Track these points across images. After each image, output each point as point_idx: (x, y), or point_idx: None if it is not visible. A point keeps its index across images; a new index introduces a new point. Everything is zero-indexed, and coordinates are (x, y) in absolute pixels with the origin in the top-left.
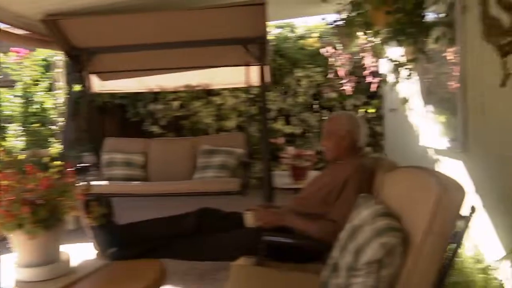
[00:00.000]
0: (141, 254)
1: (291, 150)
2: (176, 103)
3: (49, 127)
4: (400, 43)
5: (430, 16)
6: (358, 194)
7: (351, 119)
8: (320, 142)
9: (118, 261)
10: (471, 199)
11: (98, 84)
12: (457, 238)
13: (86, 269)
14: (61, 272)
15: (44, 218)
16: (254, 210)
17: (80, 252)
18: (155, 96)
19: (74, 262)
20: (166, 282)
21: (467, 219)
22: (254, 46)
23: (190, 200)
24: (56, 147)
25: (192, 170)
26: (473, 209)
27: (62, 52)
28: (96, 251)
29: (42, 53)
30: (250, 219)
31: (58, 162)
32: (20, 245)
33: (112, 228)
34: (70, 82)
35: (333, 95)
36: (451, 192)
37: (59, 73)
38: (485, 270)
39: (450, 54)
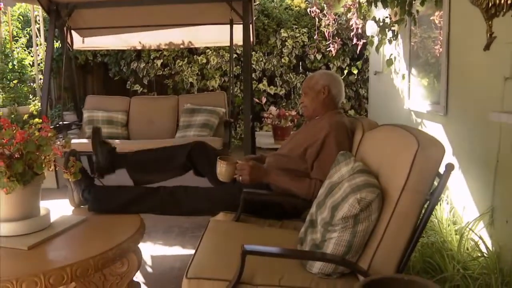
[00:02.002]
0: (120, 207)
1: (274, 110)
2: (159, 62)
3: (29, 84)
4: (386, 4)
5: None
6: (338, 151)
7: (328, 75)
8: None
9: (97, 213)
10: (450, 161)
11: (78, 41)
12: (434, 195)
13: (66, 224)
14: (41, 227)
15: (20, 172)
16: (231, 160)
17: (61, 209)
18: (138, 54)
19: (54, 218)
20: (146, 239)
21: (444, 176)
22: (238, 4)
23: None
24: (35, 105)
25: (174, 129)
26: (451, 167)
27: (41, 7)
28: (74, 206)
29: (21, 7)
30: (224, 170)
31: (37, 119)
32: None
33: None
34: (49, 39)
35: (318, 56)
36: (428, 148)
37: (38, 29)
38: (460, 231)
39: (437, 18)
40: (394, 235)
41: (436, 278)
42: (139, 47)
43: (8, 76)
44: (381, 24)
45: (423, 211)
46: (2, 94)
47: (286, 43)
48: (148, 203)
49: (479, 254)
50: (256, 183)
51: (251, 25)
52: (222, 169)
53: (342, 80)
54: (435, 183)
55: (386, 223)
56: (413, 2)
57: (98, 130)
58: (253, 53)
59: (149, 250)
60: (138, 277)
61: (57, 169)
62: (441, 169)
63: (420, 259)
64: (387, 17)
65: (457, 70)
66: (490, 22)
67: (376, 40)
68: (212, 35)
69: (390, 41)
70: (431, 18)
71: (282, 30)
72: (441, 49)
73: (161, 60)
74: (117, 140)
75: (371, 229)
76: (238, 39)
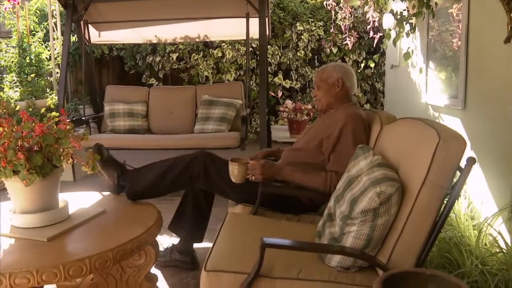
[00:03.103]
0: (153, 184)
1: (290, 104)
2: (174, 56)
3: (46, 78)
4: None
5: None
6: (355, 143)
7: (340, 67)
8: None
9: (134, 198)
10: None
11: (95, 35)
12: (454, 189)
13: (84, 216)
14: (59, 219)
15: (40, 164)
16: (242, 161)
17: (79, 201)
18: (154, 48)
19: (72, 210)
20: (162, 231)
21: (465, 170)
22: None
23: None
24: (52, 98)
25: (193, 120)
26: (472, 161)
27: (58, 1)
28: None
29: (38, 2)
30: (236, 172)
31: (54, 113)
32: (16, 192)
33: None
34: (66, 33)
35: (334, 50)
36: (449, 141)
37: (55, 23)
38: (479, 226)
39: (455, 11)
40: (414, 229)
41: (454, 274)
42: (154, 41)
43: (26, 70)
44: (398, 17)
45: (443, 206)
46: (20, 88)
47: (302, 37)
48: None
49: (498, 250)
50: (272, 178)
51: (267, 19)
52: (234, 170)
53: (358, 73)
54: (456, 177)
55: (406, 217)
56: None
57: (101, 148)
58: (269, 46)
59: (166, 242)
60: (155, 269)
61: (75, 162)
62: (462, 163)
63: (438, 254)
64: (404, 9)
65: (475, 64)
66: (511, 15)
67: (393, 34)
68: (227, 29)
69: (407, 34)
70: (449, 11)
71: (298, 24)
72: (459, 43)
73: (177, 54)
74: (138, 135)
75: (390, 223)
76: (254, 32)
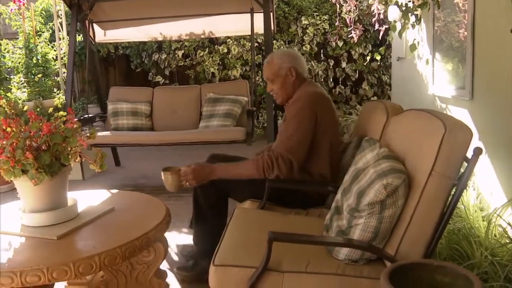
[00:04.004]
0: None
1: None
2: (180, 53)
3: (53, 78)
4: None
5: None
6: (298, 122)
7: (288, 55)
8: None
9: None
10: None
11: (100, 34)
12: (461, 180)
13: (93, 214)
14: (69, 217)
15: (48, 163)
16: (175, 169)
17: (87, 199)
18: (160, 46)
19: (81, 208)
20: (170, 228)
21: (472, 160)
22: None
23: (195, 148)
24: (59, 98)
25: (198, 119)
26: (479, 151)
27: (63, 1)
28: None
29: (43, 3)
30: (170, 181)
31: (62, 112)
32: (25, 191)
33: None
34: (71, 33)
35: (340, 43)
36: (456, 132)
37: (61, 23)
38: (488, 217)
39: (461, 1)
40: (421, 220)
41: (463, 265)
42: (160, 39)
43: (33, 71)
44: (403, 8)
45: (450, 197)
46: (27, 89)
47: (307, 31)
48: None
49: (508, 241)
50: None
51: (271, 13)
52: (167, 179)
53: (365, 66)
54: (462, 168)
55: (413, 208)
56: None
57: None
58: (274, 41)
59: (175, 239)
60: (164, 266)
61: (83, 160)
62: (469, 154)
63: (447, 245)
64: (409, 1)
65: (482, 54)
66: None
67: (398, 25)
68: (232, 25)
69: (413, 26)
70: (455, 1)
71: (303, 18)
72: (465, 33)
73: (182, 51)
74: (142, 132)
75: (397, 215)
76: (259, 27)
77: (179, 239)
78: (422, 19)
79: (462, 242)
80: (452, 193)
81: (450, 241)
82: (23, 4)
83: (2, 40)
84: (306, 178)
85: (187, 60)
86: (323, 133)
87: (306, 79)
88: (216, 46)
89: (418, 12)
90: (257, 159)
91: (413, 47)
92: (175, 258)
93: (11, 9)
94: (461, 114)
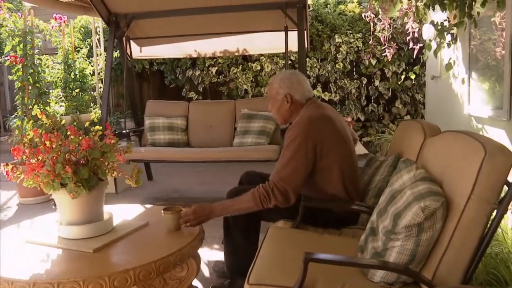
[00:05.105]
0: None
1: None
2: (214, 70)
3: (89, 92)
4: (444, 7)
5: None
6: (294, 149)
7: (285, 80)
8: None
9: None
10: None
11: (136, 50)
12: (502, 204)
13: (128, 228)
14: (104, 230)
15: (86, 178)
16: (176, 209)
17: (121, 213)
18: (194, 62)
19: (116, 222)
20: (203, 244)
21: None
22: (293, 11)
23: (228, 165)
24: (96, 113)
25: (232, 134)
26: None
27: (101, 18)
28: None
29: (82, 20)
30: (170, 221)
31: (98, 127)
32: (63, 204)
33: None
34: (109, 49)
35: (373, 61)
36: (497, 155)
37: (98, 40)
38: None
39: (498, 19)
40: (460, 244)
41: None
42: (194, 55)
43: (71, 85)
44: (439, 27)
45: (490, 221)
46: (65, 103)
47: (340, 49)
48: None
49: None
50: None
51: (305, 31)
52: (167, 220)
53: (398, 85)
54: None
55: (451, 232)
56: (473, 3)
57: None
58: (307, 59)
59: (206, 255)
60: (196, 282)
61: (119, 175)
62: (510, 178)
63: (484, 270)
64: (445, 20)
65: None
66: None
67: (434, 44)
68: (266, 42)
69: (449, 45)
70: (492, 19)
71: (336, 36)
72: (503, 51)
73: (216, 68)
74: (179, 148)
75: (435, 238)
76: (293, 45)
77: (210, 255)
78: (458, 38)
79: (500, 266)
80: (492, 217)
81: (487, 266)
82: (64, 22)
83: (42, 55)
84: (324, 198)
85: (220, 76)
86: (327, 153)
87: (307, 102)
88: (249, 63)
89: (454, 31)
90: (253, 191)
91: (448, 66)
92: (207, 274)
93: (52, 26)
94: (498, 134)
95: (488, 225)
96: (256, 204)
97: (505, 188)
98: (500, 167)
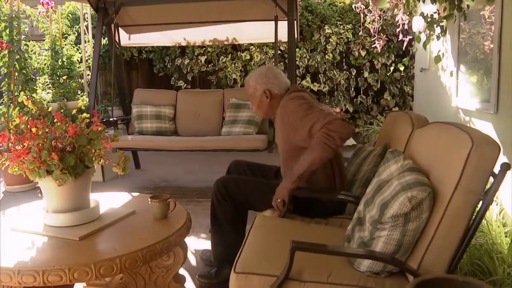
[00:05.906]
0: None
1: None
2: (203, 58)
3: (77, 80)
4: None
5: None
6: (303, 105)
7: (261, 77)
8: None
9: None
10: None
11: (125, 38)
12: (488, 195)
13: (114, 216)
14: (91, 218)
15: (72, 165)
16: (162, 198)
17: (108, 201)
18: (183, 51)
19: (103, 210)
20: (190, 233)
21: (499, 176)
22: (283, 1)
23: (217, 154)
24: (83, 100)
25: (220, 123)
26: (507, 166)
27: (89, 5)
28: None
29: (70, 6)
30: (156, 209)
31: (85, 114)
32: (49, 191)
33: None
34: (97, 36)
35: (363, 53)
36: (484, 146)
37: (86, 26)
38: (511, 233)
39: (487, 13)
40: (445, 235)
41: (485, 281)
42: (183, 44)
43: (58, 72)
44: (429, 19)
45: (475, 212)
46: (52, 90)
47: (330, 40)
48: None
49: None
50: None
51: (295, 22)
52: (154, 207)
53: (387, 77)
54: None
55: (437, 222)
56: None
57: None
58: (297, 49)
59: (193, 243)
60: (182, 270)
61: (106, 162)
62: (496, 169)
63: (468, 261)
64: (435, 12)
65: (508, 67)
66: None
67: (423, 36)
68: (256, 32)
69: (438, 37)
70: (481, 13)
71: (326, 27)
72: (491, 45)
73: (205, 57)
74: (166, 137)
75: (421, 228)
76: (282, 35)
77: (197, 243)
78: (447, 31)
79: (484, 257)
80: (477, 208)
81: (471, 256)
82: (51, 7)
83: (29, 41)
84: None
85: (209, 65)
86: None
87: (286, 92)
88: (238, 53)
89: (444, 23)
90: (313, 144)
91: (437, 59)
92: (194, 263)
93: (39, 11)
94: (485, 127)
95: (474, 216)
96: (323, 149)
97: (491, 179)
98: (486, 158)
